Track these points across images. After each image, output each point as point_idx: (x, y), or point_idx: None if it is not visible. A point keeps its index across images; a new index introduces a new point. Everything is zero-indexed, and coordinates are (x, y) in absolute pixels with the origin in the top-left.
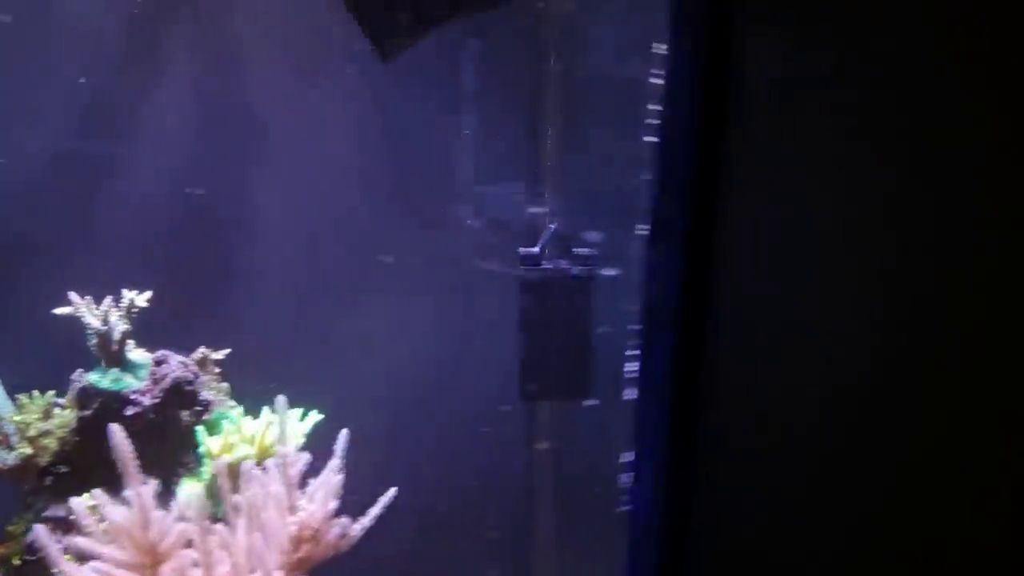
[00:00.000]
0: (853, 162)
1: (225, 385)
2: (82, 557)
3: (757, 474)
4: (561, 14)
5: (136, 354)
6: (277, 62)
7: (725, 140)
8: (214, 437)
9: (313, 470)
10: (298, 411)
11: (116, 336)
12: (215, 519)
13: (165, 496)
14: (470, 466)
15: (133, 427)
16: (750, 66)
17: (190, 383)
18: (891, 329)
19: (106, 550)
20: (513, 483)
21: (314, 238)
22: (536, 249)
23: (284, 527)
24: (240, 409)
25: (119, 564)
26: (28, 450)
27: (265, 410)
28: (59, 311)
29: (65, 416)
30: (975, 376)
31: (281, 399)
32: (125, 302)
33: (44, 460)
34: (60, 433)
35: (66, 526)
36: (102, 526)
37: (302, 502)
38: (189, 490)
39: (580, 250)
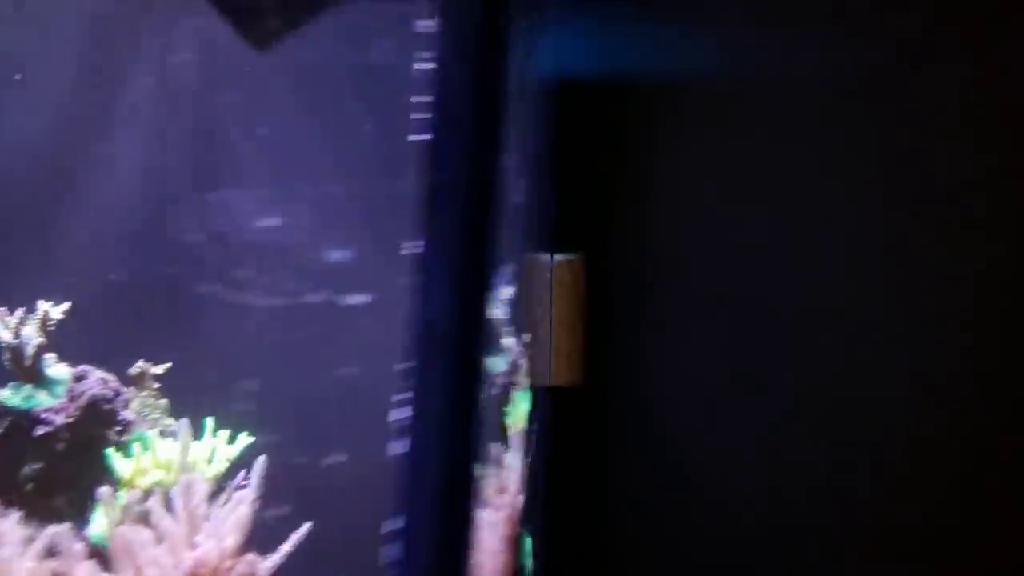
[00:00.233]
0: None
1: (163, 402)
2: None
3: None
4: None
5: (56, 369)
6: None
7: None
8: (127, 460)
9: None
10: (225, 434)
11: (29, 351)
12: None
13: (79, 521)
14: None
15: (43, 447)
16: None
17: (109, 401)
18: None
19: None
20: None
21: None
22: None
23: (174, 566)
24: (175, 428)
25: None
26: None
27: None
28: None
29: None
30: None
31: (184, 422)
32: (40, 314)
33: None
34: None
35: None
36: None
37: (200, 537)
38: (99, 518)
39: None
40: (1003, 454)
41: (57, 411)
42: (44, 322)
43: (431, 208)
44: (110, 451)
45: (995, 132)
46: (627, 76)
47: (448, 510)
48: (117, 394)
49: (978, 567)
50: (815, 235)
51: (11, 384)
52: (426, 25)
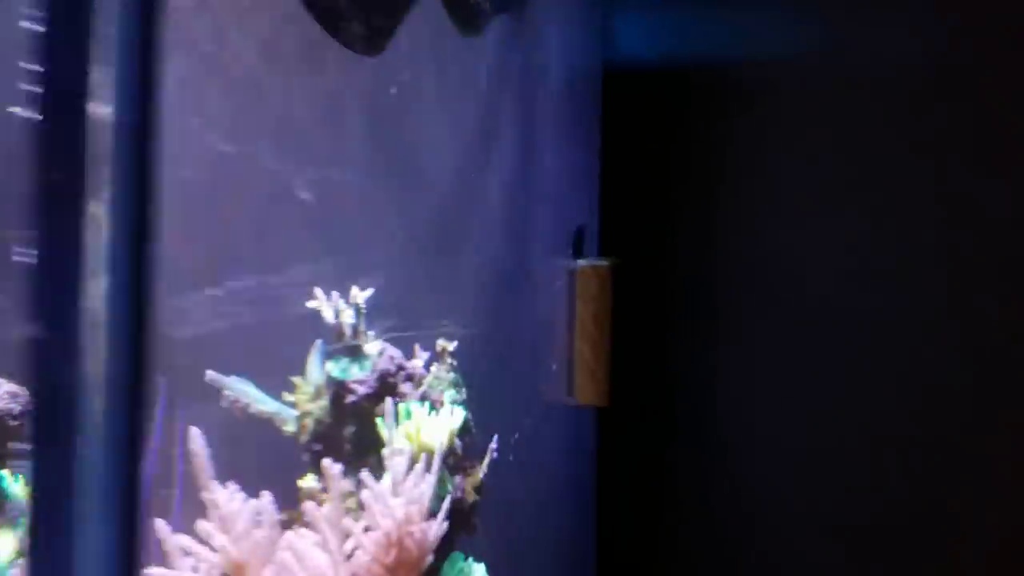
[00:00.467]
0: None
1: (452, 375)
2: None
3: None
4: None
5: (371, 345)
6: None
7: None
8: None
9: None
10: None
11: (346, 328)
12: None
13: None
14: None
15: (353, 413)
16: None
17: (392, 375)
18: None
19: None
20: None
21: None
22: None
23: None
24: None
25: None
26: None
27: None
28: (309, 304)
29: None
30: None
31: (388, 401)
32: (352, 298)
33: (303, 438)
34: (319, 415)
35: None
36: None
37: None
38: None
39: None
40: None
41: (361, 382)
42: (357, 305)
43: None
44: (379, 420)
45: None
46: (684, 64)
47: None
48: (401, 368)
49: None
50: (906, 245)
51: (337, 357)
52: None
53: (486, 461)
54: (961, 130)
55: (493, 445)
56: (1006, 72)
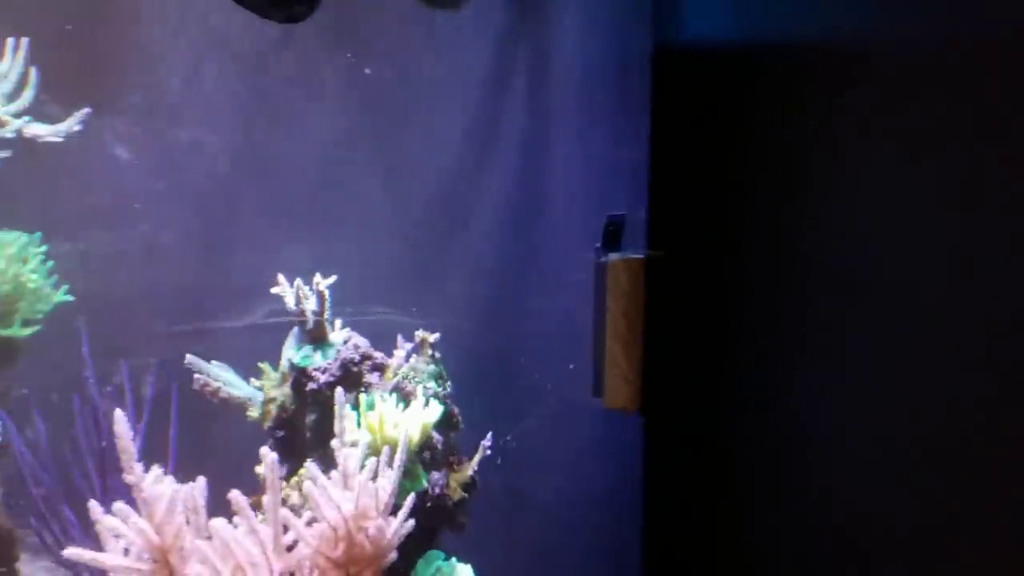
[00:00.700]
0: None
1: (432, 367)
2: None
3: None
4: None
5: (337, 334)
6: None
7: None
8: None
9: None
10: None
11: (308, 315)
12: None
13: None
14: None
15: (315, 400)
16: None
17: (356, 364)
18: None
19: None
20: None
21: None
22: None
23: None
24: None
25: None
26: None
27: None
28: (273, 290)
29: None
30: None
31: (339, 391)
32: (314, 286)
33: (267, 424)
34: (282, 401)
35: None
36: None
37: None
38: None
39: None
40: None
41: (323, 370)
42: (320, 292)
43: None
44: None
45: None
46: (750, 42)
47: None
48: (367, 358)
49: None
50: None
51: (301, 345)
52: None
53: (477, 458)
54: None
55: (487, 442)
56: None
